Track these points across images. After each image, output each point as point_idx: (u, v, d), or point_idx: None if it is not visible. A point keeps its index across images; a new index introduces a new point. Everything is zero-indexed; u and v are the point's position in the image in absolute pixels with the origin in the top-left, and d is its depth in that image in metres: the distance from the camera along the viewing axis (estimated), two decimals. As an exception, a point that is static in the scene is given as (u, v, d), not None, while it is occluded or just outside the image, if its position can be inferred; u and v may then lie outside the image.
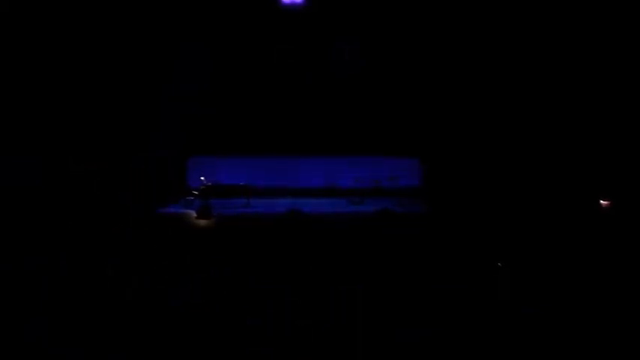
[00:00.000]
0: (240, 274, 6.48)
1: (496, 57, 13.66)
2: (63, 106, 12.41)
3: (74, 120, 12.50)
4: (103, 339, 4.93)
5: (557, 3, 12.98)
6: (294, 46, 14.57)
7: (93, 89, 12.72)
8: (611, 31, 12.62)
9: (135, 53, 13.21)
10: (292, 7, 14.34)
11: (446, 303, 5.61)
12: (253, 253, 7.53)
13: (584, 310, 5.55)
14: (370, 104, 15.04)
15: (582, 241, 8.57)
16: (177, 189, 14.24)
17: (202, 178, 13.13)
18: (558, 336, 4.96)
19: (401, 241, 8.80)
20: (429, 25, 14.20)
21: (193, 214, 11.63)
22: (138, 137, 13.44)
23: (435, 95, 14.46)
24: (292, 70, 14.82)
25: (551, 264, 7.24)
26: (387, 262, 7.45)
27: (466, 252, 8.01)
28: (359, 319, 5.14)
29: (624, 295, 5.91)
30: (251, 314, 5.36)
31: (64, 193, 11.88)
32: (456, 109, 14.21)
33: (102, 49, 12.76)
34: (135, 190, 12.57)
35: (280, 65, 14.76)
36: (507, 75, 13.58)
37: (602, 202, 11.05)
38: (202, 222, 11.08)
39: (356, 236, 9.02)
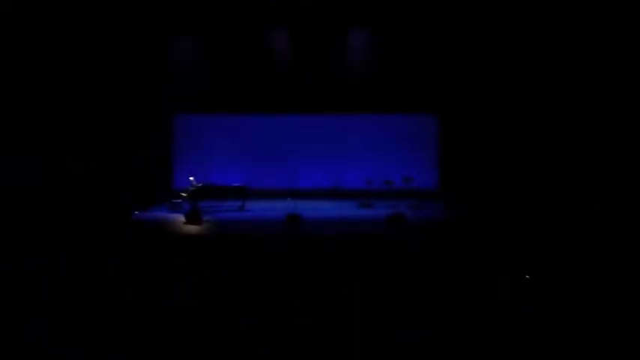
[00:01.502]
0: (235, 278, 6.43)
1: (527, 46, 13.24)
2: (63, 106, 12.43)
3: (74, 120, 12.52)
4: (103, 339, 4.93)
5: None
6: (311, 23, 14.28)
7: (93, 90, 12.75)
8: None
9: (131, 53, 13.20)
10: None
11: (446, 303, 5.60)
12: (248, 261, 7.31)
13: (584, 310, 5.55)
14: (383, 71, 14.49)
15: (583, 241, 8.56)
16: (162, 190, 13.57)
17: (191, 178, 12.16)
18: (558, 336, 4.96)
19: (407, 244, 8.69)
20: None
21: (182, 218, 10.74)
22: (136, 137, 13.36)
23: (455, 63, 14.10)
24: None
25: (554, 264, 7.24)
26: (388, 262, 7.44)
27: (468, 252, 7.98)
28: (359, 319, 5.13)
29: (625, 295, 5.91)
30: (250, 315, 5.35)
31: (64, 193, 11.88)
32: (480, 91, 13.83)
33: (101, 50, 12.79)
34: (114, 192, 12.22)
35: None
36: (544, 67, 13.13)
37: None
38: (192, 228, 10.16)
39: (363, 242, 8.68)
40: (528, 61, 13.24)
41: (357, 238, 9.15)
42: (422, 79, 14.36)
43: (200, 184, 12.21)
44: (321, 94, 14.46)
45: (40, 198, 11.54)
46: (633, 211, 10.49)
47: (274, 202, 13.11)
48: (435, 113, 14.60)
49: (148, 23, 13.54)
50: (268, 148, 14.78)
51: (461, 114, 14.16)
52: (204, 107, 14.36)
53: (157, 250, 8.09)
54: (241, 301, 5.67)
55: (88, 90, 12.78)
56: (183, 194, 12.12)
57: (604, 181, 11.69)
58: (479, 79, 13.87)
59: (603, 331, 5.01)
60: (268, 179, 14.37)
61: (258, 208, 12.59)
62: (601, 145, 12.23)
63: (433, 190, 14.35)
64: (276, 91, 14.40)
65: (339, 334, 4.92)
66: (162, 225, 10.63)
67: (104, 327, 5.14)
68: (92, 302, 5.75)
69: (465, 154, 13.93)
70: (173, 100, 14.32)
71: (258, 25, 14.24)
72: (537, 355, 4.70)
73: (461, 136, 14.11)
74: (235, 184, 12.87)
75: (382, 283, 6.20)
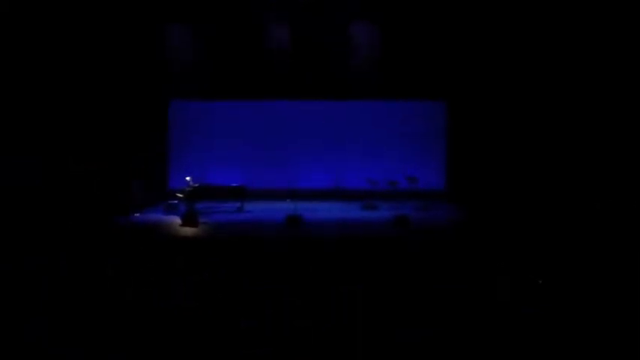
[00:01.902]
0: (234, 279, 6.41)
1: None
2: (63, 106, 12.41)
3: (74, 120, 12.50)
4: (103, 339, 4.93)
5: None
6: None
7: (93, 90, 12.71)
8: None
9: (128, 47, 13.11)
10: None
11: (446, 303, 5.60)
12: (247, 265, 7.19)
13: (584, 310, 5.55)
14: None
15: (583, 241, 8.56)
16: (158, 190, 13.16)
17: (188, 178, 11.79)
18: (558, 336, 4.96)
19: (408, 246, 8.59)
20: None
21: (178, 220, 10.47)
22: (135, 134, 13.24)
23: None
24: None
25: (554, 264, 7.24)
26: (389, 264, 7.43)
27: (474, 255, 7.97)
28: (359, 319, 5.13)
29: (624, 295, 5.91)
30: (250, 315, 5.35)
31: (64, 193, 11.86)
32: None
33: (102, 51, 12.76)
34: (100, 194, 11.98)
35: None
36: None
37: None
38: (188, 230, 9.89)
39: (365, 245, 8.50)
40: (530, 58, 12.90)
41: (359, 240, 8.96)
42: (429, 68, 13.64)
43: (197, 184, 11.85)
44: (323, 84, 13.92)
45: (40, 198, 11.53)
46: (633, 211, 10.48)
47: (274, 203, 12.74)
48: (443, 100, 13.93)
49: (147, 20, 13.45)
50: (268, 142, 14.17)
51: (469, 108, 13.51)
52: (202, 95, 13.93)
53: (153, 253, 8.03)
54: (241, 301, 5.67)
55: (86, 89, 12.73)
56: (180, 195, 11.70)
57: (604, 181, 11.60)
58: (487, 66, 13.24)
59: (603, 331, 5.01)
60: (268, 178, 13.80)
61: (257, 209, 12.25)
62: (602, 144, 12.06)
63: (440, 191, 13.79)
64: (276, 78, 13.90)
65: (339, 334, 4.92)
66: (158, 227, 10.37)
67: (104, 327, 5.14)
68: (92, 302, 5.75)
69: (474, 151, 13.32)
70: (170, 89, 14.01)
71: (259, 21, 13.94)
72: (537, 355, 4.70)
73: (469, 131, 13.46)
74: (234, 184, 12.45)
75: (382, 283, 6.20)
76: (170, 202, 11.93)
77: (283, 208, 11.48)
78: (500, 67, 13.13)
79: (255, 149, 14.12)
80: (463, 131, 13.70)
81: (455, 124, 13.94)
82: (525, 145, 12.63)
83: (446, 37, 13.57)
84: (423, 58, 13.69)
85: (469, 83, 13.55)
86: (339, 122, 14.28)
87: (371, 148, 14.13)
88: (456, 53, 13.52)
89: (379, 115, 14.32)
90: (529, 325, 5.11)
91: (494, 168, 12.85)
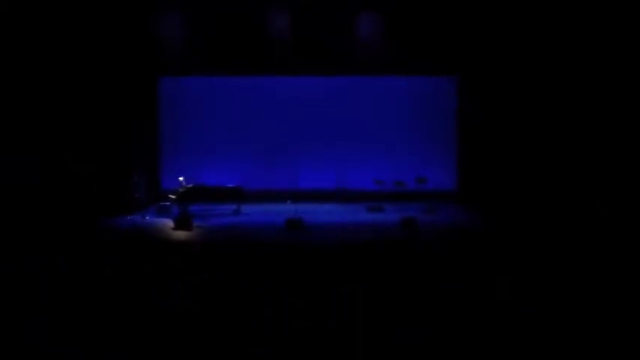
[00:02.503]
0: (232, 282, 6.38)
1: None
2: (63, 106, 12.40)
3: (74, 120, 12.48)
4: (103, 339, 4.93)
5: None
6: None
7: (93, 90, 12.69)
8: None
9: (127, 46, 13.03)
10: None
11: (446, 303, 5.60)
12: (244, 270, 7.08)
13: (584, 310, 5.55)
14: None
15: (583, 241, 8.56)
16: (150, 191, 12.77)
17: (181, 178, 11.40)
18: (558, 336, 4.96)
19: (413, 248, 8.51)
20: None
21: (170, 223, 10.11)
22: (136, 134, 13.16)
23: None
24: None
25: (554, 263, 7.24)
26: (389, 263, 7.43)
27: (470, 252, 7.96)
28: (359, 319, 5.13)
29: (624, 295, 5.91)
30: (250, 315, 5.35)
31: (64, 193, 11.86)
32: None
33: (102, 51, 12.73)
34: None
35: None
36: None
37: None
38: (181, 234, 9.52)
39: (369, 249, 8.32)
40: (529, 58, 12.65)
41: (363, 244, 8.72)
42: (440, 41, 12.84)
43: (190, 185, 11.43)
44: (326, 60, 13.10)
45: (40, 198, 11.52)
46: (634, 211, 10.47)
47: (273, 205, 12.32)
48: (454, 75, 13.24)
49: (145, 17, 13.32)
50: (267, 139, 13.51)
51: (479, 87, 12.85)
52: (197, 73, 13.34)
53: (149, 255, 7.96)
54: (241, 302, 5.67)
55: (88, 90, 12.69)
56: (172, 196, 11.24)
57: (607, 180, 11.54)
58: (498, 45, 12.55)
59: (604, 332, 5.01)
60: (266, 179, 13.22)
61: (254, 211, 11.78)
62: (604, 143, 11.89)
63: (451, 191, 13.19)
64: (275, 53, 13.10)
65: (339, 334, 4.92)
66: (149, 231, 10.04)
67: (104, 327, 5.14)
68: (92, 302, 5.75)
69: (484, 147, 12.67)
70: (161, 72, 13.62)
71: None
72: (537, 355, 4.69)
73: (478, 125, 12.86)
74: (230, 185, 11.90)
75: (382, 284, 6.20)
76: (162, 203, 11.55)
77: (283, 210, 11.09)
78: (510, 48, 12.44)
79: (253, 145, 13.47)
80: (472, 124, 13.04)
81: (464, 113, 13.22)
82: (533, 143, 12.17)
83: (457, 6, 12.72)
84: (432, 29, 12.82)
85: (480, 61, 12.80)
86: (341, 110, 13.53)
87: (375, 145, 13.44)
88: (467, 26, 12.68)
89: (384, 103, 13.57)
90: (529, 325, 5.11)
91: (503, 165, 12.31)
